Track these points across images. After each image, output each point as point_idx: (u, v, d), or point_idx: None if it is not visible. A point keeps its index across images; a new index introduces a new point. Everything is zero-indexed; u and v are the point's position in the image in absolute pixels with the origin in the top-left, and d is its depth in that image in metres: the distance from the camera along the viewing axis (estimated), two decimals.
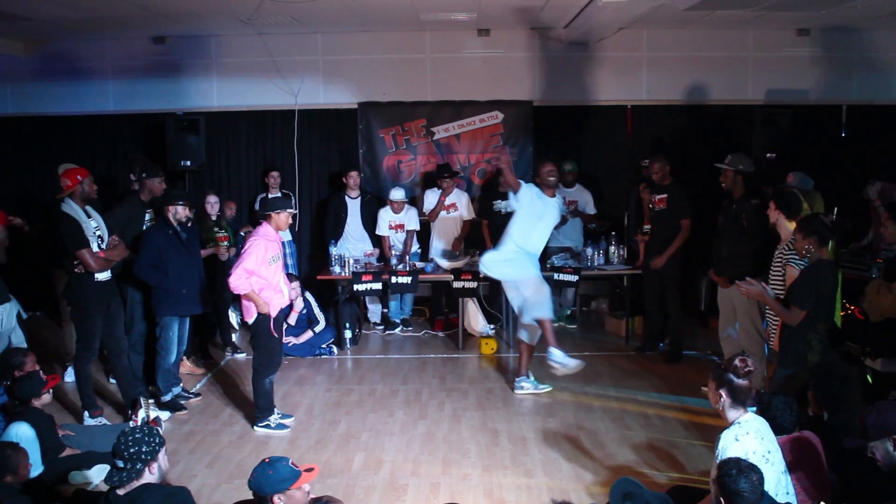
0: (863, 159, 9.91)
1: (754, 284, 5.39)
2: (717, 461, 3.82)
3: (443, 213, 9.40)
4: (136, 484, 3.64)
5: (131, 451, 3.63)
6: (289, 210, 6.47)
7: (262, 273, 6.24)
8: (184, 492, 3.83)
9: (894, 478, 3.62)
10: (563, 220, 9.42)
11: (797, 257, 5.52)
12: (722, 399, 3.97)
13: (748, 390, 3.97)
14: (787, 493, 3.87)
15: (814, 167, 8.50)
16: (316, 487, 5.23)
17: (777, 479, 3.82)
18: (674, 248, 8.08)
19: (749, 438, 3.83)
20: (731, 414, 3.98)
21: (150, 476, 3.68)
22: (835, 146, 10.09)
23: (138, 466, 3.64)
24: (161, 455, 3.75)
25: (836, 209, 5.97)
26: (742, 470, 3.34)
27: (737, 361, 3.99)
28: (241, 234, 8.77)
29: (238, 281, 6.14)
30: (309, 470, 3.75)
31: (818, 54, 10.09)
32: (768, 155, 9.20)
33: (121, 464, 3.64)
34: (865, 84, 10.09)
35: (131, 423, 6.24)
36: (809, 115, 9.91)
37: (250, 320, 6.35)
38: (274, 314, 6.34)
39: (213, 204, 8.24)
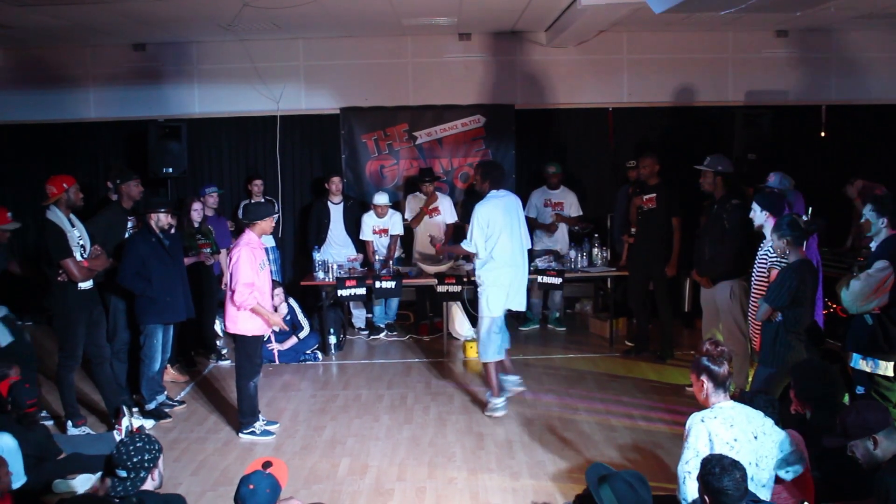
0: (842, 159, 9.99)
1: None
2: (685, 442, 3.97)
3: (426, 216, 9.40)
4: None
5: (134, 460, 3.61)
6: (272, 216, 6.51)
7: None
8: (179, 499, 3.82)
9: (875, 477, 3.64)
10: (553, 228, 9.48)
11: (783, 260, 5.55)
12: (705, 386, 4.07)
13: (726, 373, 4.07)
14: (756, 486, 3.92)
15: (794, 167, 8.55)
16: (301, 493, 5.24)
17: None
18: (677, 252, 8.10)
19: (715, 423, 3.93)
20: (713, 399, 4.09)
21: (151, 483, 3.69)
22: (815, 146, 10.17)
23: (142, 475, 3.63)
24: (161, 461, 3.76)
25: (810, 209, 6.00)
26: (725, 468, 3.37)
27: (708, 346, 4.12)
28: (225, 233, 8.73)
29: (242, 297, 6.16)
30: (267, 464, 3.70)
31: (797, 55, 10.17)
32: (749, 155, 9.25)
33: (123, 473, 3.61)
34: (844, 84, 10.19)
35: (115, 432, 6.23)
36: (789, 115, 10.00)
37: (233, 331, 6.36)
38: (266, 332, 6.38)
39: (197, 211, 8.20)
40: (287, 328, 8.28)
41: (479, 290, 6.95)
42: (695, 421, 3.98)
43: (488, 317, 6.87)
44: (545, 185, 9.67)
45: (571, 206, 9.63)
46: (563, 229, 9.64)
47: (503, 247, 6.80)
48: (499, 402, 6.86)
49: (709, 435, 3.88)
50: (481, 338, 6.93)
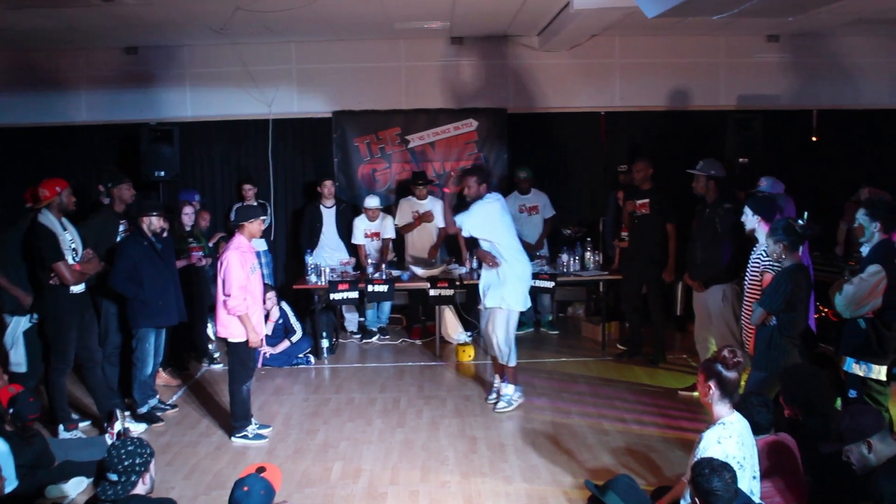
0: (833, 163, 10.03)
1: None
2: (695, 460, 3.87)
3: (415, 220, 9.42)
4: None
5: (125, 463, 3.60)
6: (261, 218, 6.47)
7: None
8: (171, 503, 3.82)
9: (869, 481, 3.66)
10: (539, 247, 9.49)
11: (776, 264, 5.56)
12: (711, 391, 4.04)
13: (736, 382, 4.04)
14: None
15: (785, 171, 8.59)
16: (294, 497, 5.24)
17: (747, 485, 3.86)
18: (673, 257, 8.09)
19: (731, 442, 3.89)
20: (718, 409, 4.04)
21: (142, 487, 3.68)
22: (806, 150, 10.21)
23: (133, 479, 3.63)
24: (152, 465, 3.75)
25: (805, 213, 6.02)
26: (715, 469, 3.38)
27: (725, 353, 4.08)
28: (210, 245, 8.70)
29: (236, 302, 6.14)
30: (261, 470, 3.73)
31: (788, 60, 10.21)
32: (740, 160, 9.27)
33: (114, 477, 3.60)
34: (835, 89, 10.23)
35: (107, 436, 6.20)
36: (781, 119, 10.04)
37: (224, 335, 6.34)
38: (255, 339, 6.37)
39: (188, 214, 8.20)
40: (267, 348, 8.36)
41: (496, 287, 6.89)
42: (711, 442, 3.90)
43: (509, 313, 6.90)
44: (516, 190, 9.69)
45: (545, 207, 9.68)
46: (537, 230, 9.68)
47: (511, 243, 6.87)
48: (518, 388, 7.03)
49: (725, 457, 3.77)
50: (505, 340, 6.94)
